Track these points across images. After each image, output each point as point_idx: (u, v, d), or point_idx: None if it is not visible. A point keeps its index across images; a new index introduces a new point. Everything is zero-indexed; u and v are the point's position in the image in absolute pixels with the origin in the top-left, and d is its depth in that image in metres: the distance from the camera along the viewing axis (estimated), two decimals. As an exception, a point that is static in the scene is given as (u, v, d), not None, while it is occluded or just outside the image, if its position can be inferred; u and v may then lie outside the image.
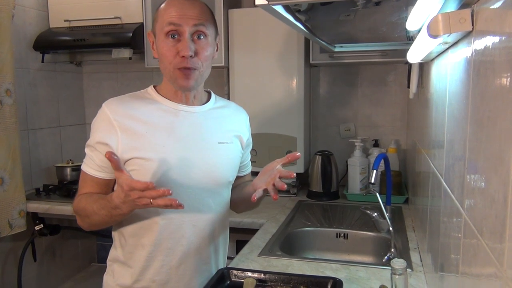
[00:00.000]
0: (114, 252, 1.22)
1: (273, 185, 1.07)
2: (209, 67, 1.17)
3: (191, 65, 1.09)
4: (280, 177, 1.07)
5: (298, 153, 1.08)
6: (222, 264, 1.30)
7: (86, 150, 1.16)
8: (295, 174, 1.06)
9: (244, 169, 1.37)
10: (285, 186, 1.05)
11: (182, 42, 1.08)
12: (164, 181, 1.11)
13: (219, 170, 1.20)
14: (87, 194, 1.14)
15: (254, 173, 1.31)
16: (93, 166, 1.14)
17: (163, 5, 1.12)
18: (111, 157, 0.97)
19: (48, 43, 2.43)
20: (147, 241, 1.15)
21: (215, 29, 1.16)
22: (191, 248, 1.18)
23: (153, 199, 0.96)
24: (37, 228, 2.25)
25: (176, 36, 1.09)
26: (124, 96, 1.19)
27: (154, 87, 1.22)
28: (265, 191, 1.11)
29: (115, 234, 1.22)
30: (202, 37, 1.11)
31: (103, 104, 1.15)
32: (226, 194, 1.27)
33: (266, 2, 0.68)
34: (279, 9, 0.80)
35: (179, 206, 0.96)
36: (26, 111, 2.39)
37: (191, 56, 1.08)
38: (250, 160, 1.41)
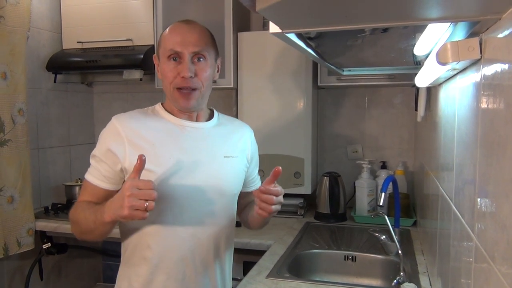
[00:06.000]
0: (121, 268, 1.23)
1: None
2: (209, 87, 1.22)
3: (191, 85, 1.15)
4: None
5: (280, 168, 1.14)
6: (228, 283, 1.30)
7: (92, 160, 1.18)
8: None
9: (252, 183, 1.37)
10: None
11: (183, 64, 1.15)
12: (169, 193, 1.13)
13: (225, 183, 1.22)
14: (85, 202, 1.17)
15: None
16: (97, 175, 1.16)
17: (166, 31, 1.20)
18: (141, 158, 1.02)
19: (61, 64, 2.48)
20: (150, 254, 1.15)
21: (215, 51, 1.23)
22: (196, 262, 1.18)
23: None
24: (45, 246, 2.25)
25: (177, 58, 1.15)
26: (132, 111, 1.24)
27: (162, 104, 1.26)
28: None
29: (122, 249, 1.23)
30: (201, 59, 1.17)
31: (113, 118, 1.20)
32: (232, 208, 1.28)
33: (280, 30, 0.71)
34: (292, 36, 0.83)
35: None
36: (37, 130, 2.42)
37: (191, 77, 1.14)
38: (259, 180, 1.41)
